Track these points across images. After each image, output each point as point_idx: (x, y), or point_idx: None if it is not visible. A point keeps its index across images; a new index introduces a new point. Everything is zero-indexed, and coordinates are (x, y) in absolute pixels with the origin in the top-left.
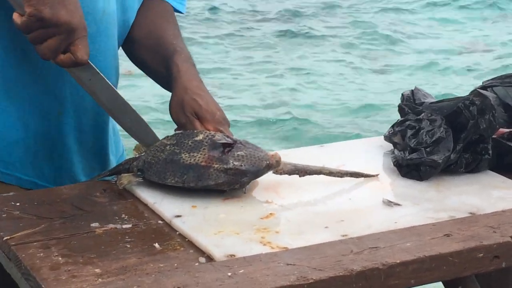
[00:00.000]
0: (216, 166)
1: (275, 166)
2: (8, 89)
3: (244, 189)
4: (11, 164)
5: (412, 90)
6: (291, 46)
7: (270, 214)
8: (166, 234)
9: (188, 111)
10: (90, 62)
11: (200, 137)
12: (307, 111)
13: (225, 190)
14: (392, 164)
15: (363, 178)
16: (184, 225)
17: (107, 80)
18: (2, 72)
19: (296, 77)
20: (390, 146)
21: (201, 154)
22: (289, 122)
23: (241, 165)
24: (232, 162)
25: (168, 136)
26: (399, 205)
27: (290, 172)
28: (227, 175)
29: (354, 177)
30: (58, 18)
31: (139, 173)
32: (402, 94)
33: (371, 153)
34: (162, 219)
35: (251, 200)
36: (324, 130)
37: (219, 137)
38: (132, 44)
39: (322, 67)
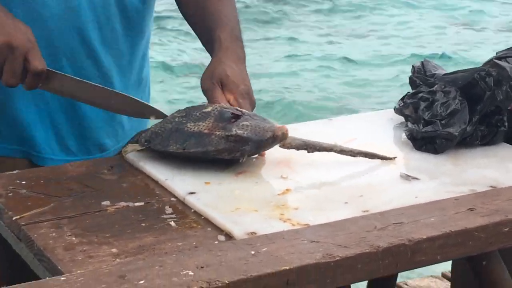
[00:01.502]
0: (218, 133)
1: (280, 138)
2: None
3: (242, 158)
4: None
5: (422, 62)
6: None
7: (287, 190)
8: (181, 212)
9: (214, 78)
10: (50, 69)
11: (209, 108)
12: None
13: (226, 158)
14: (405, 137)
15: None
16: (199, 202)
17: (78, 78)
18: None
19: None
20: (400, 119)
21: (206, 123)
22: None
23: (243, 133)
24: (235, 130)
25: (179, 110)
26: (417, 179)
27: (298, 147)
28: (228, 142)
29: (369, 157)
30: None
31: (145, 143)
32: (413, 66)
33: (381, 126)
34: (175, 196)
35: (265, 176)
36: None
37: (227, 108)
38: (182, 12)
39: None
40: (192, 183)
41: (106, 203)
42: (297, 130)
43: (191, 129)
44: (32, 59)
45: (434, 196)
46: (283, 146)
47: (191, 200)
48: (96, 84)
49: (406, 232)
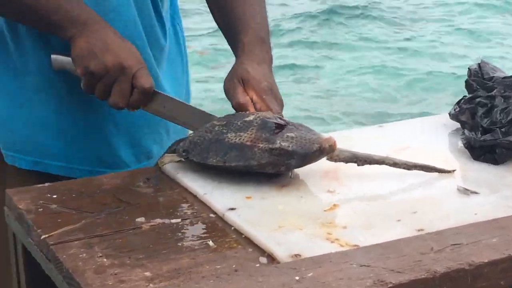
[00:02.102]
0: (261, 145)
1: (328, 151)
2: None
3: (290, 173)
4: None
5: (479, 64)
6: None
7: (334, 205)
8: (220, 230)
9: (235, 78)
10: (156, 91)
11: (251, 117)
12: None
13: (270, 172)
14: (462, 146)
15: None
16: (240, 219)
17: (179, 100)
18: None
19: None
20: (456, 125)
21: (248, 133)
22: None
23: (288, 146)
24: (279, 142)
25: (220, 117)
26: (476, 193)
27: (347, 160)
28: (272, 156)
29: (425, 171)
30: (105, 65)
31: (183, 153)
32: (469, 69)
33: (435, 133)
34: (214, 212)
35: (311, 189)
36: None
37: (270, 117)
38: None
39: None
40: (232, 197)
41: (141, 219)
42: (345, 137)
43: (232, 140)
44: (140, 77)
45: (495, 213)
46: (330, 158)
47: (231, 217)
48: (196, 107)
49: (465, 255)
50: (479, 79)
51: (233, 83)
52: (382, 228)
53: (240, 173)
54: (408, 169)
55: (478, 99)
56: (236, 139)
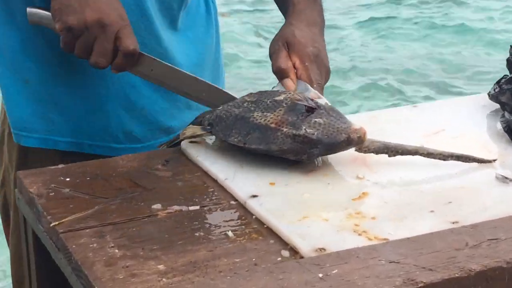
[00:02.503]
0: (285, 130)
1: (356, 142)
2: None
3: (316, 161)
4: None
5: None
6: None
7: (363, 193)
8: (241, 219)
9: (280, 41)
10: (142, 53)
11: (282, 97)
12: None
13: (292, 159)
14: (502, 129)
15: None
16: (262, 208)
17: (168, 64)
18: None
19: None
20: (495, 106)
21: (274, 114)
22: None
23: (313, 133)
24: (305, 129)
25: (251, 93)
26: None
27: (377, 151)
28: (294, 142)
29: (462, 161)
30: (85, 21)
31: (208, 127)
32: (511, 46)
33: (473, 115)
34: (235, 199)
35: (339, 175)
36: None
37: (301, 98)
38: None
39: None
40: (255, 183)
41: (157, 206)
42: (374, 118)
43: (257, 120)
44: (124, 38)
45: None
46: (359, 150)
47: (253, 205)
48: (186, 72)
49: (503, 251)
50: None
51: (278, 46)
52: (413, 220)
53: (264, 156)
54: (444, 159)
55: None
56: (261, 119)
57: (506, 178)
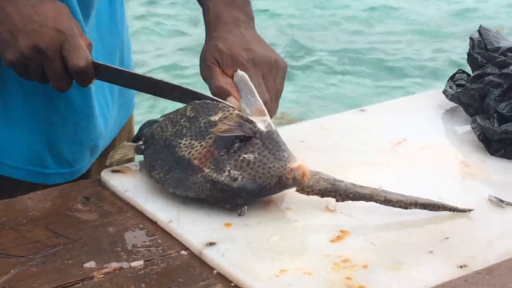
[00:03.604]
0: (206, 171)
1: (292, 184)
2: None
3: (240, 211)
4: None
5: (479, 31)
6: None
7: (342, 232)
8: (198, 275)
9: (208, 60)
10: (95, 62)
11: (218, 116)
12: None
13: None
14: (469, 134)
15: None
16: (225, 260)
17: (121, 69)
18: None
19: None
20: (449, 104)
21: (201, 145)
22: None
23: (236, 179)
24: (228, 170)
25: (195, 103)
26: None
27: (323, 193)
28: (214, 189)
29: (429, 209)
30: (21, 52)
31: (142, 146)
32: (471, 38)
33: (430, 117)
34: (186, 247)
35: (306, 209)
36: None
37: (236, 121)
38: None
39: None
40: (206, 226)
41: (90, 264)
42: (324, 128)
43: (182, 151)
44: (70, 55)
45: None
46: (300, 191)
47: (212, 256)
48: (143, 74)
49: None
50: (485, 52)
51: (208, 67)
52: (413, 265)
53: None
54: (406, 207)
55: (488, 78)
56: (186, 151)
57: (501, 201)
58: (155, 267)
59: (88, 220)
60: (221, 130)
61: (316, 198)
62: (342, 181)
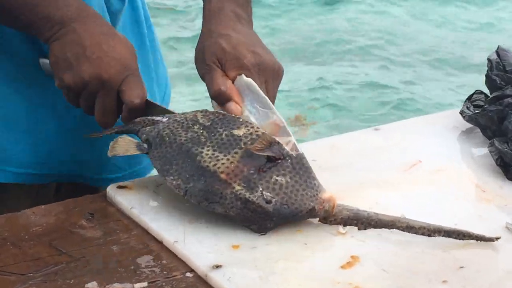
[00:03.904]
0: (237, 188)
1: (322, 215)
2: None
3: (262, 232)
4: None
5: (497, 52)
6: None
7: (352, 258)
8: None
9: (209, 59)
10: (149, 100)
11: (242, 131)
12: None
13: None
14: (486, 157)
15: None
16: (231, 284)
17: (168, 109)
18: None
19: None
20: (466, 125)
21: (228, 159)
22: None
23: (270, 201)
24: (261, 191)
25: (206, 111)
26: None
27: (346, 222)
28: (245, 209)
29: (453, 238)
30: (82, 78)
31: (145, 144)
32: (489, 60)
33: (446, 139)
34: (191, 269)
35: (317, 232)
36: None
37: (266, 141)
38: None
39: None
40: (213, 247)
41: (92, 285)
42: (336, 148)
43: (205, 162)
44: (128, 90)
45: None
46: (323, 220)
47: (217, 279)
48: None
49: None
50: (503, 73)
51: (208, 66)
52: None
53: None
54: (429, 235)
55: (507, 100)
56: (210, 163)
57: None
58: None
59: (92, 237)
60: (258, 148)
61: None
62: (365, 211)
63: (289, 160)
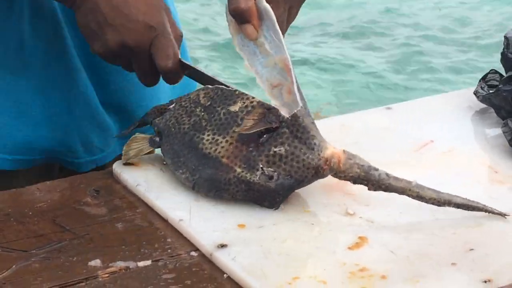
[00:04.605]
0: (238, 171)
1: (329, 173)
2: None
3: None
4: None
5: None
6: None
7: (360, 238)
8: (208, 279)
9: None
10: (182, 60)
11: (238, 106)
12: None
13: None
14: (500, 138)
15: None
16: (235, 263)
17: (203, 72)
18: None
19: None
20: (480, 105)
21: (227, 141)
22: None
23: (271, 178)
24: (261, 168)
25: (207, 88)
26: None
27: (355, 180)
28: (250, 190)
29: (464, 209)
30: (109, 48)
31: (156, 138)
32: (506, 37)
33: (460, 119)
34: (196, 248)
35: (325, 212)
36: None
37: (258, 113)
38: None
39: None
40: (219, 226)
41: (95, 262)
42: (346, 126)
43: (207, 148)
44: (158, 55)
45: None
46: (333, 175)
47: (222, 259)
48: (217, 79)
49: None
50: None
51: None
52: (435, 279)
53: None
54: (439, 205)
55: None
56: (211, 148)
57: None
58: (163, 268)
59: (97, 214)
60: (247, 128)
61: (335, 201)
62: (377, 170)
63: (286, 126)
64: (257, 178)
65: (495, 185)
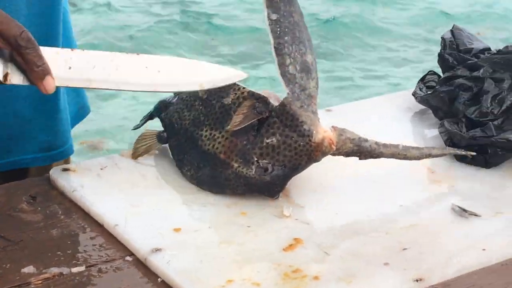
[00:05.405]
0: (235, 166)
1: (323, 156)
2: None
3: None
4: None
5: (451, 31)
6: None
7: (295, 240)
8: (143, 284)
9: None
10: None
11: (230, 98)
12: None
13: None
14: (436, 138)
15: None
16: (170, 267)
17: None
18: None
19: None
20: (419, 107)
21: (223, 137)
22: None
23: (266, 170)
24: (257, 162)
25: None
26: (476, 215)
27: (348, 154)
28: (249, 184)
29: (439, 156)
30: None
31: (164, 134)
32: (443, 38)
33: (399, 120)
34: (132, 253)
35: (260, 214)
36: None
37: (247, 106)
38: None
39: None
40: (154, 230)
41: (28, 269)
42: None
43: (206, 145)
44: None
45: (509, 248)
46: (331, 154)
47: (157, 263)
48: None
49: None
50: (456, 53)
51: None
52: (366, 278)
53: (159, 188)
54: (419, 159)
55: (458, 81)
56: (210, 144)
57: (465, 210)
58: (97, 273)
59: (32, 221)
60: (237, 124)
61: (272, 203)
62: (367, 140)
63: (275, 115)
64: (253, 172)
65: (432, 185)
